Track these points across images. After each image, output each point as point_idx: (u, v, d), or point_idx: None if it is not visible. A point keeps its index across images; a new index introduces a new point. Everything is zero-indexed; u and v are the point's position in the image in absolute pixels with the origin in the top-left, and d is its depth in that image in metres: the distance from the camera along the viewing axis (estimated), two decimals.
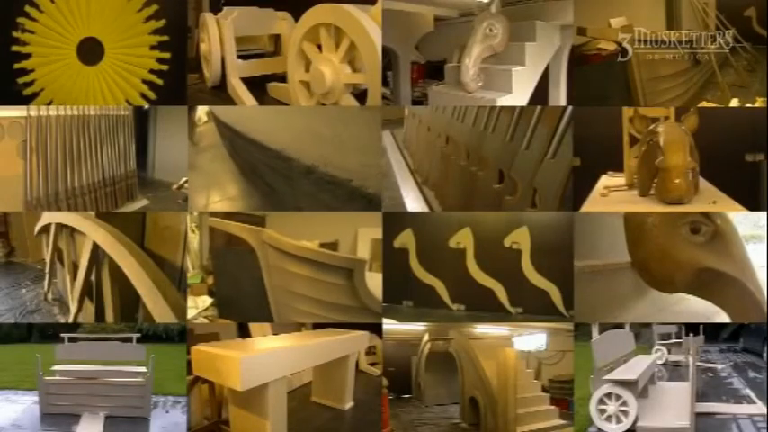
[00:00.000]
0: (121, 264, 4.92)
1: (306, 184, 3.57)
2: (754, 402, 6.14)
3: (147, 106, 5.67)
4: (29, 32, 5.52)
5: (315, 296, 4.58)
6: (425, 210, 7.10)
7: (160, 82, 5.61)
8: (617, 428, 4.72)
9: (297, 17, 5.53)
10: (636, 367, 5.17)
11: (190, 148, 7.28)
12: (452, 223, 6.61)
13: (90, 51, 5.53)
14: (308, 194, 3.68)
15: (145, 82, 5.59)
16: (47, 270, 6.75)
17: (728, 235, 4.62)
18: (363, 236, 6.64)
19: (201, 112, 8.54)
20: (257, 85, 6.78)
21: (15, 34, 5.49)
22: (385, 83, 6.99)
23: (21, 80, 5.52)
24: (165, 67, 5.59)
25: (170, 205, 6.96)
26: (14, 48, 5.49)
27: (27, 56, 5.51)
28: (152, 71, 5.59)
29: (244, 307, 4.93)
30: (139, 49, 5.55)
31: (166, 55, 5.58)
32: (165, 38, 5.58)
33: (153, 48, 5.58)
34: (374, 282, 4.82)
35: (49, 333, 9.89)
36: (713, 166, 4.91)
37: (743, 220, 6.65)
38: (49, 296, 6.74)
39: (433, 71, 7.29)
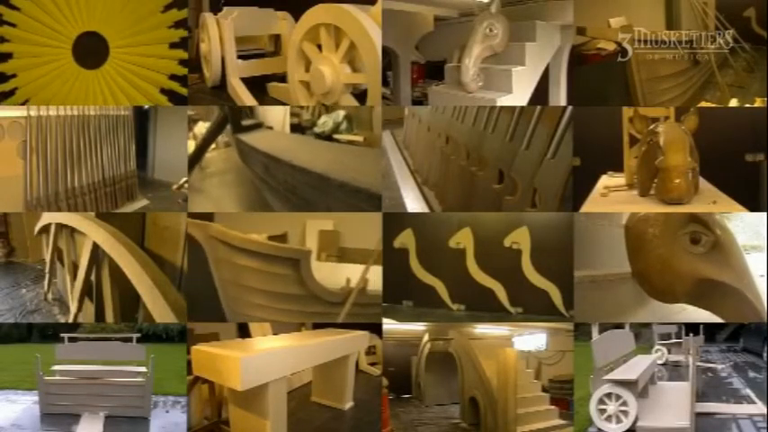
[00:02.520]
0: (121, 264, 4.92)
1: (339, 194, 4.46)
2: (754, 402, 6.14)
3: (147, 106, 5.25)
4: (9, 25, 4.41)
5: (264, 288, 4.69)
6: (425, 210, 7.10)
7: (184, 91, 4.57)
8: (617, 428, 4.72)
9: (297, 17, 5.53)
10: (636, 367, 5.17)
11: (196, 173, 7.34)
12: (452, 223, 6.61)
13: (90, 50, 4.50)
14: (340, 200, 4.52)
15: (164, 92, 4.51)
16: (47, 270, 6.75)
17: (728, 245, 4.61)
18: (311, 227, 6.71)
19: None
20: (257, 85, 6.79)
21: None
22: (385, 83, 6.99)
23: None
24: (186, 71, 4.51)
25: (170, 205, 6.97)
26: None
27: (7, 56, 4.46)
28: (173, 77, 4.51)
29: (194, 302, 5.04)
30: (156, 48, 4.40)
31: (185, 55, 4.51)
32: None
33: (174, 46, 4.47)
34: (323, 271, 5.01)
35: (49, 333, 9.90)
36: (713, 166, 4.92)
37: (743, 230, 6.68)
38: (49, 296, 6.74)
39: (433, 71, 7.29)
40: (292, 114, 7.35)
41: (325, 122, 7.02)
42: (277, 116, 7.28)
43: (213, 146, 8.02)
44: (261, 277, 4.65)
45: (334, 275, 5.15)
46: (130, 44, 4.48)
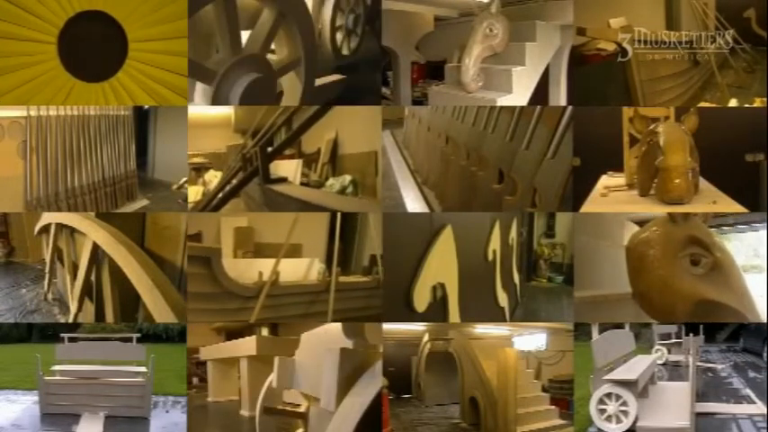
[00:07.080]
0: (121, 264, 4.92)
1: None
2: (754, 402, 6.14)
3: (146, 106, 5.28)
4: None
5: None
6: (425, 210, 7.10)
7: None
8: (617, 428, 4.72)
9: None
10: (636, 367, 5.17)
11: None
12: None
13: (90, 48, 2.90)
14: None
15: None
16: (47, 270, 6.74)
17: (728, 267, 4.60)
18: (225, 225, 6.79)
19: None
20: None
21: None
22: (385, 83, 7.00)
23: None
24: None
25: (170, 205, 6.97)
26: None
27: None
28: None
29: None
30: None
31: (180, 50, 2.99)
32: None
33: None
34: (238, 267, 5.16)
35: (49, 333, 9.90)
36: (713, 166, 4.91)
37: (741, 251, 6.70)
38: (49, 296, 6.73)
39: (433, 71, 7.29)
40: (302, 175, 7.79)
41: (332, 185, 7.29)
42: (288, 174, 7.65)
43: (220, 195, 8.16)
44: None
45: (249, 271, 5.26)
46: (159, 36, 2.68)
